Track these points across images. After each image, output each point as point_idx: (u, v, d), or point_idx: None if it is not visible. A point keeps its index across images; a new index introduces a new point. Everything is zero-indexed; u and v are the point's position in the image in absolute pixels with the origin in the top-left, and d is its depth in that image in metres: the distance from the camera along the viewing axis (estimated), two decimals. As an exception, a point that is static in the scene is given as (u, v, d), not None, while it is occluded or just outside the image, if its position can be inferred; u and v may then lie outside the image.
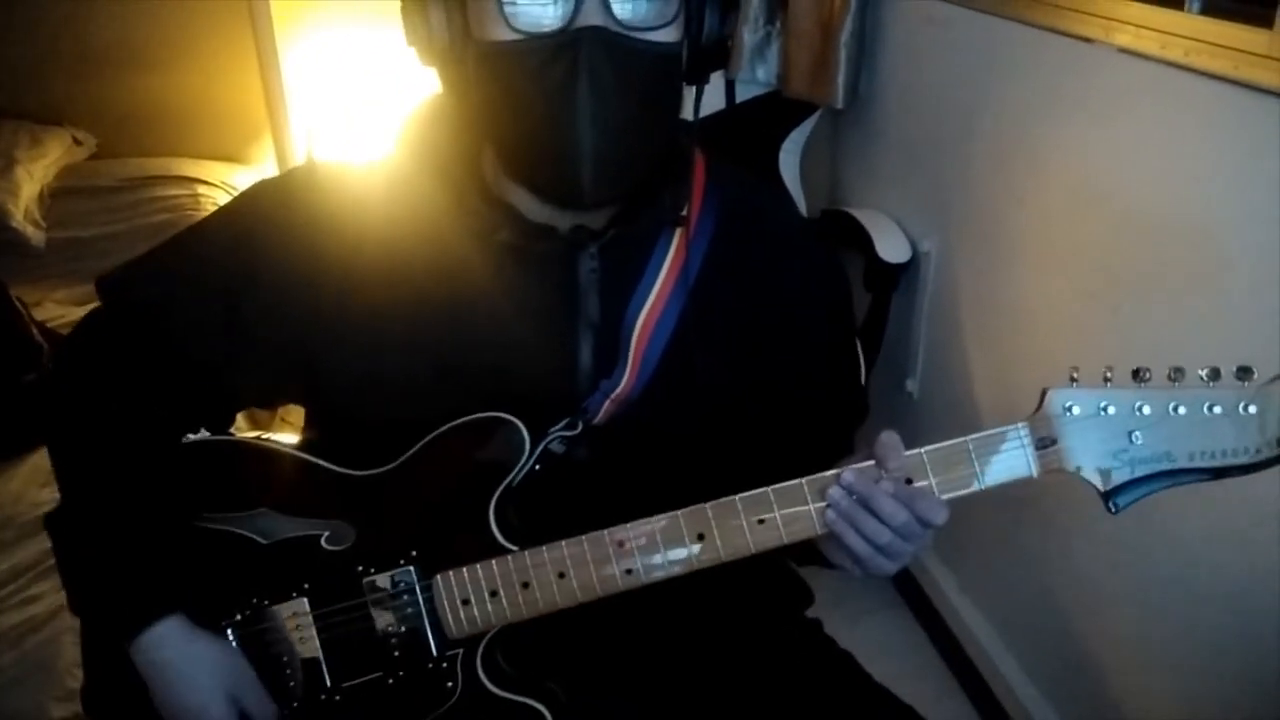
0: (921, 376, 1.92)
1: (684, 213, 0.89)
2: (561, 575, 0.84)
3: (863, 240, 1.89)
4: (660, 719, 0.98)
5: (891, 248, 1.87)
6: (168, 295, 0.90)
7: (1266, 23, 1.06)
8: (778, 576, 1.07)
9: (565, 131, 0.78)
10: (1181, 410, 0.75)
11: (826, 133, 2.17)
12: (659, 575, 0.83)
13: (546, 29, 0.76)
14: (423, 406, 0.86)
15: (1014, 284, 1.58)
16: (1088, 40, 1.34)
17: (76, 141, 2.58)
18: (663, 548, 0.83)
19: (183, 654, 0.87)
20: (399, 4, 0.83)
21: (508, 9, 0.76)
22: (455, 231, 0.86)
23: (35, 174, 2.41)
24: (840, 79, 1.89)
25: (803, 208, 2.10)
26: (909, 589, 2.06)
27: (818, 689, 0.99)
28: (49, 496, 1.57)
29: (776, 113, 2.06)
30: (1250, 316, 1.11)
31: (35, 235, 2.35)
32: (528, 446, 0.85)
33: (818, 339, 0.98)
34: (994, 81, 1.58)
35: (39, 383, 1.83)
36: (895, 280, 1.89)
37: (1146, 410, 0.76)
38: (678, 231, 0.89)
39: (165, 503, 0.90)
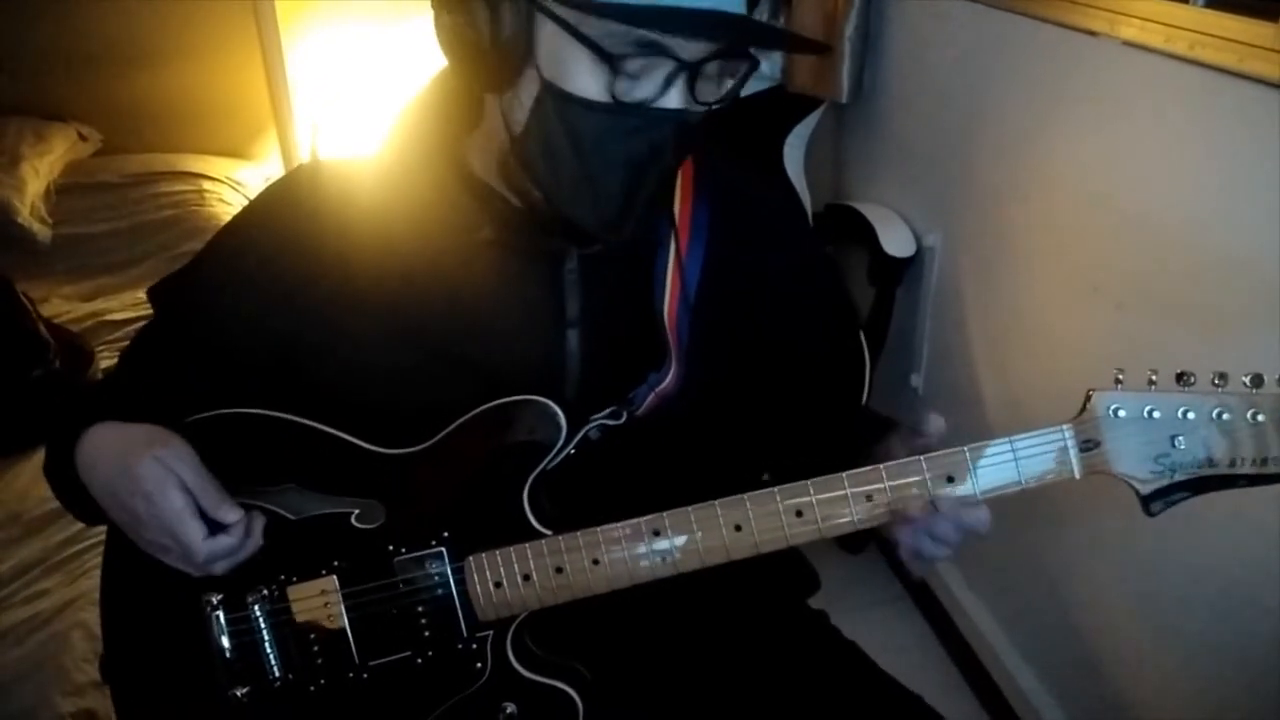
0: (926, 371, 1.92)
1: (674, 210, 0.90)
2: (596, 561, 0.84)
3: (867, 234, 1.89)
4: (675, 706, 0.99)
5: (896, 242, 1.87)
6: (219, 294, 0.92)
7: (1272, 16, 1.06)
8: (786, 562, 1.08)
9: (600, 184, 0.80)
10: (1225, 416, 0.74)
11: (830, 127, 2.17)
12: (694, 564, 0.83)
13: (633, 101, 0.77)
14: (411, 395, 0.87)
15: (1018, 278, 1.58)
16: (1093, 33, 1.34)
17: (82, 137, 2.58)
18: (699, 537, 0.82)
19: (121, 442, 0.84)
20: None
21: (620, 84, 0.76)
22: (440, 224, 0.87)
23: (41, 170, 2.41)
24: (844, 73, 1.89)
25: (807, 202, 2.10)
26: (914, 584, 2.06)
27: (827, 676, 1.00)
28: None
29: (780, 107, 2.06)
30: (1253, 311, 1.11)
31: (41, 231, 2.36)
32: (565, 431, 0.85)
33: (816, 310, 1.00)
34: (998, 75, 1.58)
35: (45, 379, 1.84)
36: (899, 274, 1.89)
37: (1191, 415, 0.75)
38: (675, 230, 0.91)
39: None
